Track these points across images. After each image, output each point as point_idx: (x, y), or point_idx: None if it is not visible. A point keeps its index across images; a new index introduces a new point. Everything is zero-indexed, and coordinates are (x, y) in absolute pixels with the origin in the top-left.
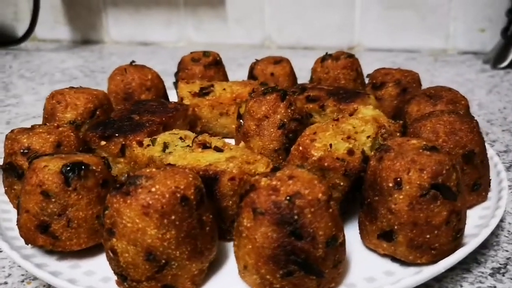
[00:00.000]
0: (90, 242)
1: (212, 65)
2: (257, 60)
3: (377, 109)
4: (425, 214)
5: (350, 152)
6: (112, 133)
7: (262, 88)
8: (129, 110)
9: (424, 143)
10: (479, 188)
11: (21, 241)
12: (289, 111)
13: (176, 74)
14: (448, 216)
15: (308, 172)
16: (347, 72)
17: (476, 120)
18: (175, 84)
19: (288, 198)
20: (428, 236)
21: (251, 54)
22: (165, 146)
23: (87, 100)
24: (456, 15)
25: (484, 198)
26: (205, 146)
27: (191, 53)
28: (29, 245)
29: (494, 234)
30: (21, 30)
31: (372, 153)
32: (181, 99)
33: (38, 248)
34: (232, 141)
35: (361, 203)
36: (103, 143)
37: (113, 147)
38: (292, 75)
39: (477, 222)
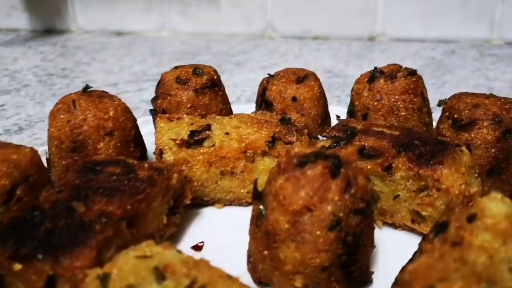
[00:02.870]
0: None
1: (207, 88)
2: (270, 76)
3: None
4: None
5: None
6: (32, 252)
7: (297, 151)
8: (72, 187)
9: None
10: None
11: None
12: (347, 196)
13: (154, 101)
14: None
15: None
16: (409, 99)
17: None
18: (153, 114)
19: None
20: None
21: (251, 46)
22: None
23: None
24: None
25: None
26: None
27: (175, 68)
28: None
29: None
30: None
31: None
32: (159, 151)
33: None
34: (239, 210)
35: None
36: (17, 267)
37: (34, 278)
38: (322, 98)
39: None
